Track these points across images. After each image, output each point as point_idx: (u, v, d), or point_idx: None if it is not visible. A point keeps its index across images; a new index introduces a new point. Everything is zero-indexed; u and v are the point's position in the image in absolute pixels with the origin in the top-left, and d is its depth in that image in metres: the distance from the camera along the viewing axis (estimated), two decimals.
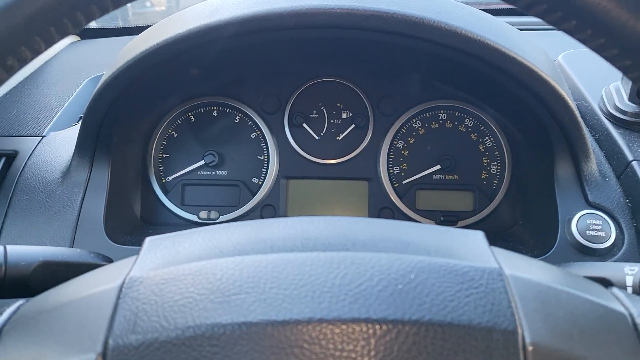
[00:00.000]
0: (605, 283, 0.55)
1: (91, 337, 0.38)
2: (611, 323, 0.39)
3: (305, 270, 0.41)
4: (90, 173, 0.95)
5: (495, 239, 1.00)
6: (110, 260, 0.68)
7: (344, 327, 0.38)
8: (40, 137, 1.06)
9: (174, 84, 1.03)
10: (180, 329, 0.38)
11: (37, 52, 0.39)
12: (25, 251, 0.62)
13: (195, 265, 0.42)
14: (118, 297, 0.40)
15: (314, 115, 1.11)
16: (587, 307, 0.41)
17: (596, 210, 0.84)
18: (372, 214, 1.07)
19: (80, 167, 0.95)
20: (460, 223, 1.05)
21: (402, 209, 1.06)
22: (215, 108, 1.11)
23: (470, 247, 0.45)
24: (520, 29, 1.22)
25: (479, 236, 0.47)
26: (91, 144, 0.95)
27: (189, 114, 1.11)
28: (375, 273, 0.41)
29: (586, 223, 0.82)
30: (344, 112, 1.11)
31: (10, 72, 0.39)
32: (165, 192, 1.09)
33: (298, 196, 1.09)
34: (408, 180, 1.08)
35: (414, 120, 1.09)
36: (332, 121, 1.10)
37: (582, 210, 0.85)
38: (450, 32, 0.80)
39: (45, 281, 0.62)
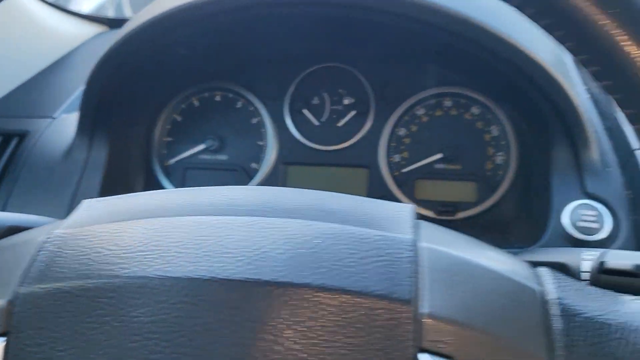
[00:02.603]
0: (563, 268, 0.51)
1: (3, 284, 0.39)
2: (518, 299, 0.37)
3: (212, 231, 0.41)
4: (90, 153, 0.98)
5: (494, 233, 0.96)
6: None
7: (234, 286, 0.37)
8: (51, 119, 1.10)
9: (175, 67, 1.05)
10: (83, 280, 0.39)
11: None
12: None
13: (115, 225, 0.43)
14: (38, 250, 0.41)
15: (316, 101, 1.10)
16: (497, 282, 0.38)
17: (593, 200, 0.79)
18: None
19: (80, 147, 0.98)
20: (459, 214, 1.01)
21: (400, 198, 1.04)
22: (218, 93, 1.12)
23: (393, 219, 0.43)
24: None
25: (406, 209, 0.46)
26: (90, 125, 0.97)
27: (193, 98, 1.13)
28: (280, 237, 0.40)
29: (579, 214, 0.78)
30: (346, 99, 1.09)
31: None
32: (167, 175, 1.11)
33: (296, 182, 1.08)
34: (408, 168, 1.05)
35: (417, 107, 1.06)
36: (333, 107, 1.09)
37: (577, 200, 0.80)
38: (440, 12, 0.78)
39: None
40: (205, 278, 0.37)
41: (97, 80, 0.93)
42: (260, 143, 1.10)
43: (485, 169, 1.03)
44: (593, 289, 0.41)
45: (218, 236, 0.40)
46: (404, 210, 0.45)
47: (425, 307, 0.35)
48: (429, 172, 1.05)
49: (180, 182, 1.11)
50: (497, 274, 0.38)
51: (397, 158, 1.06)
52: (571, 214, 0.78)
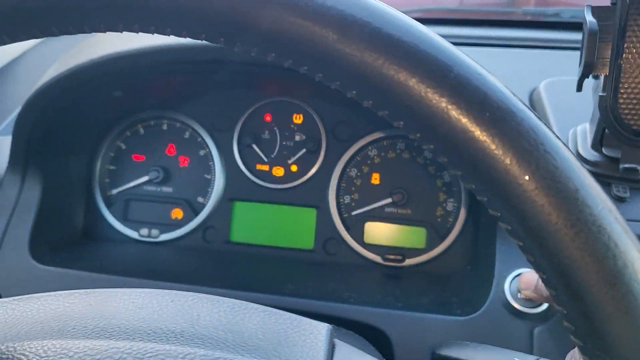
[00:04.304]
0: None
1: None
2: None
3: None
4: (21, 190, 0.93)
5: (440, 283, 0.94)
6: None
7: None
8: None
9: (115, 99, 0.99)
10: None
11: None
12: None
13: None
14: None
15: (266, 135, 1.06)
16: None
17: None
18: (317, 245, 1.02)
19: (11, 182, 0.93)
20: (407, 261, 0.99)
21: (348, 241, 1.01)
22: (165, 122, 1.07)
23: (305, 348, 0.41)
24: (514, 46, 1.14)
25: (322, 333, 0.43)
26: (22, 159, 0.92)
27: (139, 125, 1.08)
28: None
29: None
30: (297, 135, 1.05)
31: None
32: (109, 206, 1.06)
33: (242, 219, 1.05)
34: (358, 211, 1.03)
35: (370, 148, 1.03)
36: (284, 143, 1.05)
37: (521, 267, 0.78)
38: None
39: None
40: None
41: (28, 115, 0.87)
42: (207, 176, 1.06)
43: (435, 215, 1.01)
44: None
45: None
46: (318, 333, 0.42)
47: None
48: (378, 216, 1.02)
49: (122, 214, 1.06)
50: None
51: (347, 199, 1.03)
52: (512, 282, 0.77)
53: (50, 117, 0.90)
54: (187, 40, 0.77)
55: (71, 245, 0.99)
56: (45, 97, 0.83)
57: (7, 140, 1.04)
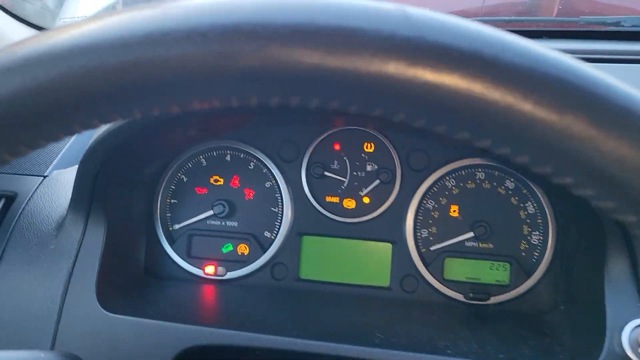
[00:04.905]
0: None
1: None
2: None
3: None
4: (85, 230, 0.87)
5: (531, 324, 0.88)
6: None
7: None
8: (42, 177, 0.99)
9: (180, 128, 0.94)
10: None
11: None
12: None
13: None
14: None
15: (335, 166, 1.00)
16: None
17: None
18: (394, 282, 0.97)
19: (75, 222, 0.87)
20: (492, 299, 0.93)
21: (427, 278, 0.95)
22: (228, 152, 1.02)
23: None
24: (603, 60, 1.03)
25: None
26: (86, 199, 0.87)
27: (201, 157, 1.02)
28: None
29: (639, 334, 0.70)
30: (369, 165, 1.00)
31: None
32: (172, 242, 1.01)
33: (313, 255, 0.99)
34: (437, 246, 0.96)
35: (448, 179, 0.97)
36: (354, 174, 1.00)
37: (638, 317, 0.72)
38: None
39: None
40: None
41: (97, 152, 0.82)
42: (274, 209, 1.01)
43: (519, 249, 0.95)
44: None
45: None
46: None
47: None
48: (459, 250, 0.96)
49: (185, 250, 1.01)
50: None
51: (425, 233, 0.97)
52: (631, 335, 0.71)
53: (117, 153, 0.85)
54: None
55: (136, 287, 0.94)
56: (116, 135, 0.78)
57: (65, 175, 0.99)
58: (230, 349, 0.78)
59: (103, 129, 0.80)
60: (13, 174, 1.01)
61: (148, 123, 0.80)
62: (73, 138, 1.08)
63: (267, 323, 0.84)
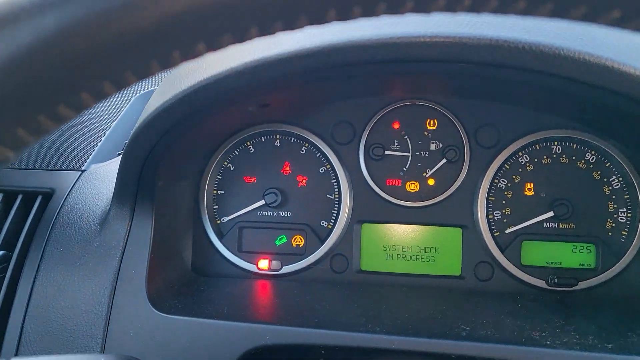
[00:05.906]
0: None
1: None
2: None
3: None
4: (131, 225, 0.80)
5: (624, 309, 0.79)
6: None
7: None
8: (80, 172, 0.92)
9: (228, 114, 0.86)
10: None
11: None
12: None
13: None
14: None
15: (395, 146, 0.92)
16: None
17: None
18: (466, 270, 0.88)
19: (120, 217, 0.80)
20: (581, 284, 0.84)
21: (503, 264, 0.87)
22: (277, 137, 0.94)
23: None
24: None
25: None
26: (131, 192, 0.80)
27: (248, 143, 0.95)
28: None
29: None
30: (433, 143, 0.91)
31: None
32: (220, 237, 0.94)
33: (374, 244, 0.91)
34: (512, 229, 0.88)
35: (521, 154, 0.88)
36: (417, 154, 0.91)
37: None
38: (601, 68, 0.59)
39: None
40: None
41: (136, 148, 0.75)
42: (331, 196, 0.92)
43: (605, 228, 0.86)
44: None
45: None
46: None
47: None
48: (537, 232, 0.87)
49: (236, 244, 0.93)
50: None
51: (498, 215, 0.88)
52: None
53: (163, 140, 0.77)
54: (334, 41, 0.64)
55: (185, 285, 0.87)
56: (162, 119, 0.71)
57: (104, 168, 0.92)
58: (293, 348, 0.70)
59: (146, 114, 0.73)
60: (48, 169, 0.94)
61: (199, 104, 0.72)
62: (114, 124, 1.02)
63: (336, 319, 0.76)
